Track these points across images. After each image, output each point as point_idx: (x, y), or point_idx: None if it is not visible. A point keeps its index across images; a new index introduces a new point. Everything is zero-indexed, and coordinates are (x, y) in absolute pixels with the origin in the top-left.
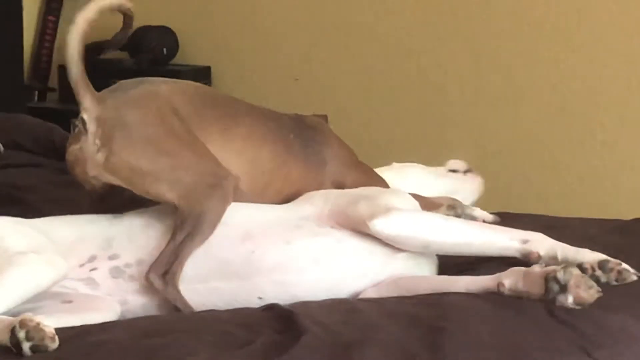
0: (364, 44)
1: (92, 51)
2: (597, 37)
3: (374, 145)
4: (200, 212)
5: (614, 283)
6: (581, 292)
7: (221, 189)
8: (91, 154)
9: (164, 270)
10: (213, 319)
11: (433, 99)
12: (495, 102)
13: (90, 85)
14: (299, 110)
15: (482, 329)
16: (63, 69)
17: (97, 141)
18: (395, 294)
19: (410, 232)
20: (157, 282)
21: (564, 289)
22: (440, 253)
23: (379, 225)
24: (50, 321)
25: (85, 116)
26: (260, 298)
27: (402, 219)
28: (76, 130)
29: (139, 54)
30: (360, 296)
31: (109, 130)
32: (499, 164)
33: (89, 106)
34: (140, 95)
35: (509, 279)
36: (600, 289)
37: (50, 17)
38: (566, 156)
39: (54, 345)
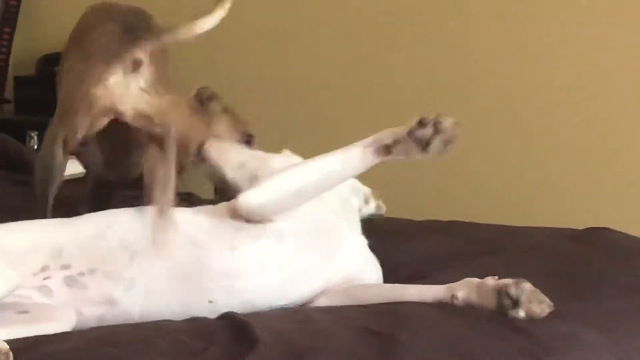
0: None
1: (47, 62)
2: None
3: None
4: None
5: None
6: (533, 307)
7: None
8: (134, 91)
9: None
10: (168, 328)
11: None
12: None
13: None
14: None
15: (434, 338)
16: (19, 81)
17: (143, 82)
18: (347, 304)
19: (273, 194)
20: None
21: (516, 304)
22: (311, 198)
23: (244, 201)
24: (5, 332)
25: (142, 57)
26: (210, 302)
27: (263, 187)
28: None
29: None
30: (313, 304)
31: (156, 72)
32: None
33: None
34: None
35: (463, 291)
36: (551, 303)
37: (6, 29)
38: (525, 163)
39: None
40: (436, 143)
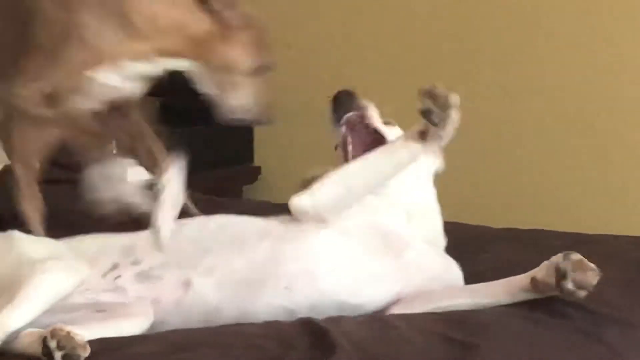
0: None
1: None
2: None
3: None
4: None
5: None
6: (578, 276)
7: None
8: None
9: None
10: (245, 332)
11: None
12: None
13: None
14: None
15: (515, 347)
16: None
17: None
18: (427, 307)
19: (325, 194)
20: None
21: (564, 276)
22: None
23: (297, 202)
24: (84, 331)
25: None
26: (286, 288)
27: (315, 187)
28: None
29: (172, 71)
30: (393, 310)
31: None
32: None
33: None
34: None
35: (541, 273)
36: (597, 270)
37: None
38: (604, 171)
39: (85, 353)
40: (435, 114)
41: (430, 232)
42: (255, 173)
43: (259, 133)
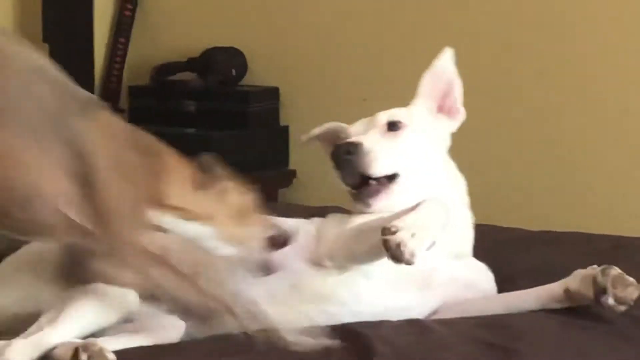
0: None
1: (161, 72)
2: None
3: None
4: None
5: None
6: (618, 292)
7: None
8: None
9: None
10: None
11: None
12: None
13: None
14: None
15: (556, 352)
16: (133, 90)
17: None
18: (461, 315)
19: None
20: None
21: (604, 291)
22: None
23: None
24: (114, 343)
25: None
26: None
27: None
28: None
29: (208, 74)
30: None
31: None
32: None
33: None
34: None
35: (574, 284)
36: (638, 285)
37: (121, 39)
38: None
39: None
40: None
41: (458, 243)
42: (290, 176)
43: (294, 137)
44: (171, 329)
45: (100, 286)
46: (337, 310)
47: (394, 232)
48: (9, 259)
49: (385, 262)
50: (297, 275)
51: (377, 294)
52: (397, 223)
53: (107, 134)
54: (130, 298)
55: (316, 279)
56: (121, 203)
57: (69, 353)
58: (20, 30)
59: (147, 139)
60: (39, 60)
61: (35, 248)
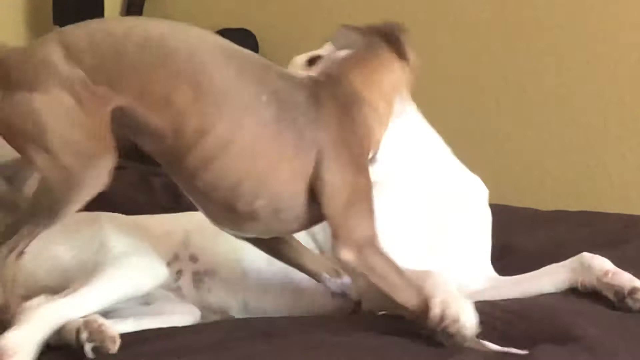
0: (447, 52)
1: None
2: None
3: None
4: None
5: None
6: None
7: None
8: None
9: None
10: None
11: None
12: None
13: None
14: None
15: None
16: None
17: None
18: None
19: None
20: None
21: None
22: None
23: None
24: (129, 324)
25: None
26: None
27: None
28: None
29: None
30: None
31: None
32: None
33: None
34: None
35: (586, 278)
36: None
37: None
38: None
39: (115, 347)
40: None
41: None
42: None
43: None
44: (187, 315)
45: (130, 258)
46: None
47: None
48: (44, 233)
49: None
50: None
51: None
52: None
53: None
54: (158, 267)
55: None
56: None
57: (72, 332)
58: (31, 14)
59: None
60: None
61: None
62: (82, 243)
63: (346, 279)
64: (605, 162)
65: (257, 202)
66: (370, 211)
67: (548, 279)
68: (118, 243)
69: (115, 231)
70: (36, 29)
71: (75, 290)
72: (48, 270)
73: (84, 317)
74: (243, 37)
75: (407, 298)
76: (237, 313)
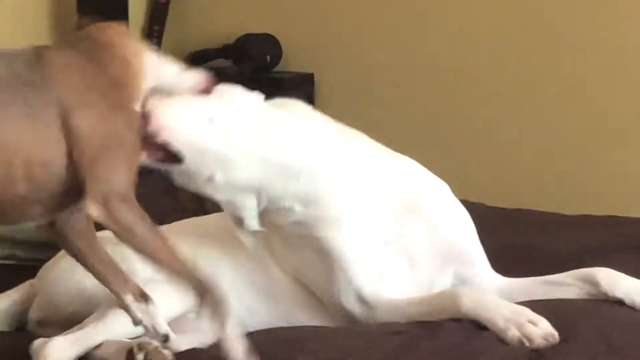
0: (464, 50)
1: (196, 59)
2: None
3: (464, 148)
4: None
5: None
6: None
7: None
8: None
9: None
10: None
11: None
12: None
13: None
14: (400, 117)
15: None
16: None
17: None
18: None
19: None
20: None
21: None
22: None
23: None
24: (185, 342)
25: None
26: None
27: None
28: None
29: (242, 61)
30: None
31: None
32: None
33: None
34: None
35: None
36: None
37: (156, 26)
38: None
39: None
40: None
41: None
42: None
43: None
44: (207, 333)
45: (158, 285)
46: None
47: None
48: (68, 257)
49: None
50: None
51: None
52: None
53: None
54: (185, 296)
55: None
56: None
57: (123, 353)
58: (56, 19)
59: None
60: None
61: None
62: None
63: (152, 307)
64: (628, 166)
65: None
66: (127, 162)
67: (556, 288)
68: (144, 268)
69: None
70: (60, 20)
71: (96, 318)
72: (73, 296)
73: (132, 339)
74: (267, 42)
75: (167, 259)
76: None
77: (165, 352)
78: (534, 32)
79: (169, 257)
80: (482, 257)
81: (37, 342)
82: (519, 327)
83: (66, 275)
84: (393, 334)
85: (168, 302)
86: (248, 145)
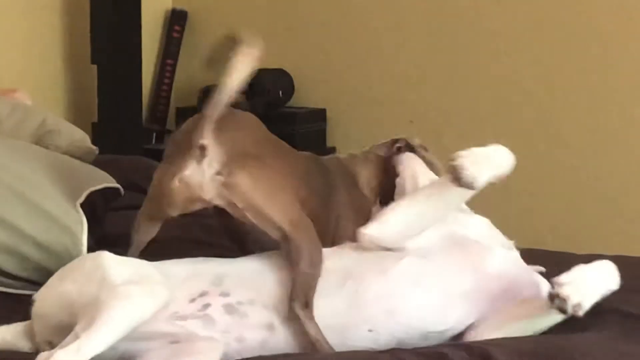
0: (479, 88)
1: (208, 94)
2: None
3: None
4: (308, 241)
5: None
6: None
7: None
8: (209, 177)
9: (304, 300)
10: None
11: (543, 132)
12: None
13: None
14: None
15: None
16: (180, 112)
17: (216, 164)
18: (512, 330)
19: (393, 225)
20: (302, 314)
21: None
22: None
23: (367, 234)
24: None
25: (205, 141)
26: (370, 331)
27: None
28: (183, 157)
29: (255, 96)
30: (476, 332)
31: (229, 152)
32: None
33: (209, 132)
34: (249, 117)
35: None
36: None
37: (169, 61)
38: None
39: None
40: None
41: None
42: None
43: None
44: (209, 352)
45: (128, 286)
46: (398, 305)
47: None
48: (59, 271)
49: (435, 240)
50: (358, 275)
51: (434, 272)
52: (462, 152)
53: None
54: (158, 291)
55: (377, 277)
56: None
57: None
58: (70, 52)
59: None
60: None
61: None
62: (86, 277)
63: None
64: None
65: None
66: None
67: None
68: (117, 276)
69: (115, 265)
70: (75, 68)
71: (85, 327)
72: (58, 307)
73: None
74: (279, 77)
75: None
76: (282, 327)
77: None
78: (553, 73)
79: None
80: None
81: (41, 357)
82: None
83: (53, 288)
84: None
85: (141, 301)
86: None
